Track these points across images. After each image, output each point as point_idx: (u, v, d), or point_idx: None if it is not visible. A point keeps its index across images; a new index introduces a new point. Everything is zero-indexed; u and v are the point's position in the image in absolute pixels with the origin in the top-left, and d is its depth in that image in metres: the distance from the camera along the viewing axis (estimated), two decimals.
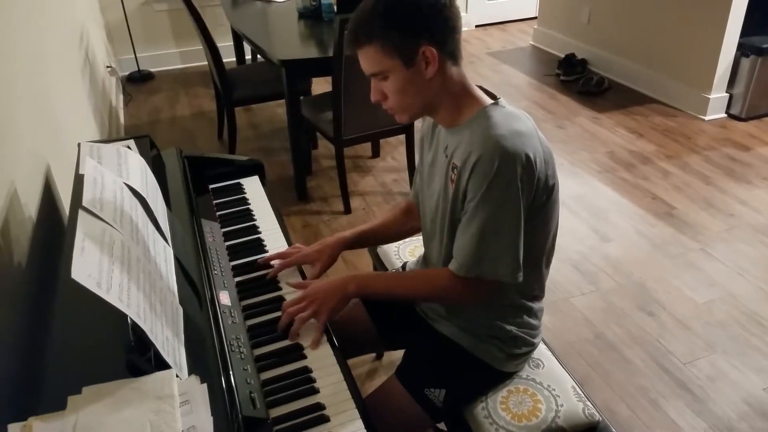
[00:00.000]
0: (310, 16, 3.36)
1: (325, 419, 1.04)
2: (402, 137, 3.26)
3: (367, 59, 1.15)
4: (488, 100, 1.20)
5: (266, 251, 1.45)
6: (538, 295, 1.36)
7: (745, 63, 3.69)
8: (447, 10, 1.11)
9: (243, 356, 1.08)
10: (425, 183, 1.36)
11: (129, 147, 1.43)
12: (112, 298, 0.80)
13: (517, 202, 1.12)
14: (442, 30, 1.12)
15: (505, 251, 1.16)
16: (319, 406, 1.06)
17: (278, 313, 1.25)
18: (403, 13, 1.10)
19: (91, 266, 0.82)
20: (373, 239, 1.58)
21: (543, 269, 1.32)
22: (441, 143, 1.28)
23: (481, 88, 1.23)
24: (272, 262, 1.42)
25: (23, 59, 1.62)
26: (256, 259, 1.42)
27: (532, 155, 1.11)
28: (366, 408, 1.08)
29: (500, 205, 1.12)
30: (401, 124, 2.91)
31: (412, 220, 1.52)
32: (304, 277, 1.41)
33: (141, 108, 4.35)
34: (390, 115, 1.23)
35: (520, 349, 1.35)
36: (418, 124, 2.13)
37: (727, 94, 3.82)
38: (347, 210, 3.02)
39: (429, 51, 1.11)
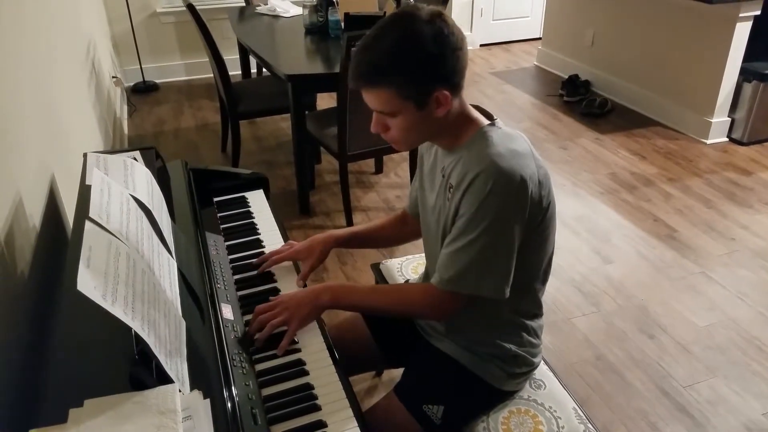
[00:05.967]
0: (317, 32, 3.39)
1: None
2: (405, 154, 3.27)
3: (378, 99, 1.13)
4: (485, 121, 1.21)
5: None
6: (537, 313, 1.36)
7: (747, 88, 3.71)
8: (460, 51, 1.10)
9: (245, 371, 1.08)
10: (425, 199, 1.36)
11: (135, 158, 1.44)
12: (116, 311, 0.80)
13: (508, 223, 1.13)
14: (456, 73, 1.11)
15: (489, 269, 1.16)
16: (321, 424, 1.05)
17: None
18: (421, 60, 1.08)
19: (96, 278, 0.82)
20: (364, 241, 1.60)
21: (538, 287, 1.32)
22: (438, 162, 1.28)
23: (477, 108, 1.24)
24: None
25: (30, 69, 1.63)
26: (258, 272, 1.42)
27: (527, 177, 1.12)
28: (368, 427, 1.07)
29: (489, 224, 1.12)
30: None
31: (406, 229, 1.55)
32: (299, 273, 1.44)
33: (145, 119, 4.37)
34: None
35: (520, 369, 1.34)
36: None
37: (729, 119, 3.84)
38: (349, 225, 3.02)
39: (442, 95, 1.11)
